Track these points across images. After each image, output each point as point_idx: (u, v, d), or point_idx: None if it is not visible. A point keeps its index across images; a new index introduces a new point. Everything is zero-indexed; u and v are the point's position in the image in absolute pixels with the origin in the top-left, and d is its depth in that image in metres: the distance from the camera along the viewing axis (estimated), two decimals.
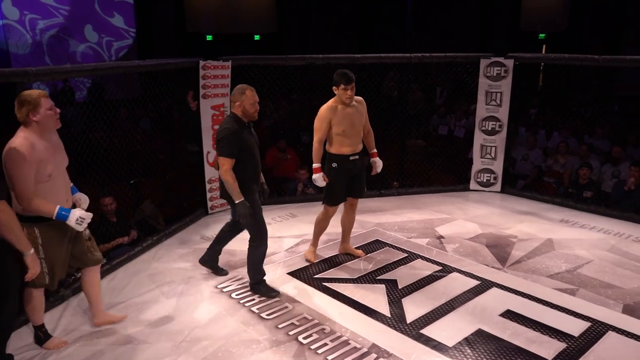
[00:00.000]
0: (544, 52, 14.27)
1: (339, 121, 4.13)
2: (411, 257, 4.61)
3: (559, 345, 3.29)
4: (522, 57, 6.20)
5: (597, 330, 3.46)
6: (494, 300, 3.85)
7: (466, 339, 3.36)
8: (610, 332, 3.44)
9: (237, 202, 3.63)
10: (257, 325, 3.53)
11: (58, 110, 3.00)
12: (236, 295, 3.94)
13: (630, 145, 7.70)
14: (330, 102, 4.19)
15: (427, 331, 3.45)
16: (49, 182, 2.94)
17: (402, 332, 3.45)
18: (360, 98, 4.28)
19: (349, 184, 4.29)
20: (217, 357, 3.19)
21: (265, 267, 4.38)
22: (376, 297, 3.89)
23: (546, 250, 4.76)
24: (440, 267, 4.40)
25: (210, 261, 4.27)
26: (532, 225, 5.41)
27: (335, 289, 4.01)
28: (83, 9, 12.04)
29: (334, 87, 4.13)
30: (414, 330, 3.47)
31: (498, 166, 6.45)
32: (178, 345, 3.30)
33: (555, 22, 14.93)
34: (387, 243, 4.90)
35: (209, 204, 5.72)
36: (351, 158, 4.23)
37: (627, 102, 10.92)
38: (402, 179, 6.66)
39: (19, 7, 11.38)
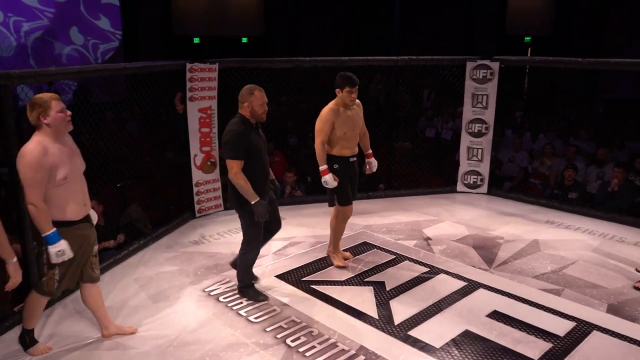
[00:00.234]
0: (529, 55, 14.41)
1: (342, 124, 4.14)
2: (399, 258, 4.63)
3: (544, 345, 3.32)
4: (507, 60, 6.27)
5: (582, 329, 3.50)
6: (481, 301, 3.88)
7: (453, 340, 3.38)
8: (595, 331, 3.48)
9: (253, 202, 3.56)
10: (245, 329, 3.51)
11: (69, 113, 2.99)
12: (224, 298, 3.92)
13: (615, 147, 7.80)
14: (332, 104, 4.17)
15: (414, 332, 3.47)
16: (64, 185, 2.93)
17: (389, 334, 3.46)
18: (358, 101, 4.30)
19: None
20: None
21: (253, 270, 4.38)
22: (364, 299, 3.90)
23: (532, 251, 4.80)
24: (428, 269, 4.42)
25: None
26: (518, 226, 5.46)
27: (323, 292, 4.01)
28: (68, 11, 11.93)
29: (337, 90, 4.12)
30: (402, 332, 3.48)
31: (484, 168, 6.50)
32: (165, 349, 3.28)
33: (540, 25, 15.12)
34: (374, 245, 4.91)
35: (197, 207, 5.70)
36: (351, 160, 4.28)
37: (611, 105, 11.08)
38: (390, 181, 6.69)
39: (3, 10, 11.24)
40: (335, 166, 4.20)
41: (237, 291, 3.97)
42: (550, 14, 15.12)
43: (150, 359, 3.20)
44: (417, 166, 7.33)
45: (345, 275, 4.29)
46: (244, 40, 14.43)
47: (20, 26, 11.47)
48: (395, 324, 3.57)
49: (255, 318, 3.64)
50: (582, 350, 3.27)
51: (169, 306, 3.81)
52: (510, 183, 7.20)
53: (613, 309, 3.77)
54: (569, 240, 5.09)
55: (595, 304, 3.84)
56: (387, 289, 4.07)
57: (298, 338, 3.40)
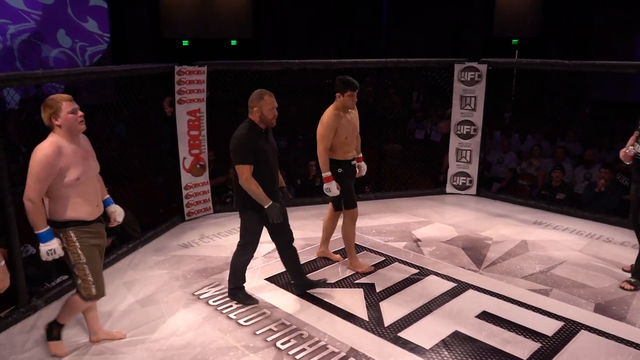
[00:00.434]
0: (516, 57, 14.54)
1: (343, 128, 4.15)
2: (389, 260, 4.64)
3: (533, 345, 3.34)
4: (495, 62, 6.31)
5: (570, 329, 3.53)
6: (470, 302, 3.90)
7: (443, 341, 3.39)
8: (582, 331, 3.51)
9: (266, 206, 3.53)
10: (235, 332, 3.50)
11: (81, 114, 2.98)
12: (213, 302, 3.90)
13: (603, 149, 7.88)
14: (332, 109, 4.16)
15: (404, 334, 3.48)
16: (77, 186, 2.93)
17: (380, 336, 3.46)
18: None
19: None
20: None
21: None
22: (354, 301, 3.90)
23: (520, 252, 4.84)
24: (417, 270, 4.44)
25: (306, 282, 4.02)
26: (507, 227, 5.50)
27: (313, 294, 4.00)
28: (55, 14, 11.84)
29: (338, 94, 4.11)
30: (392, 334, 3.48)
31: (473, 170, 6.55)
32: (154, 354, 3.26)
33: (527, 28, 15.25)
34: (364, 247, 4.92)
35: (186, 210, 5.67)
36: (352, 163, 4.31)
37: (597, 106, 11.20)
38: (380, 183, 6.70)
39: None
40: (340, 170, 4.19)
41: (227, 293, 3.96)
42: (537, 16, 15.26)
43: None
44: (407, 168, 7.35)
45: (335, 277, 4.29)
46: (233, 42, 14.43)
47: (6, 29, 11.37)
48: (385, 325, 3.58)
49: (245, 321, 3.63)
50: (570, 350, 3.30)
51: (158, 310, 3.79)
52: (498, 184, 7.25)
53: (600, 309, 3.80)
54: (557, 240, 5.14)
55: (582, 303, 3.88)
56: (377, 290, 4.08)
57: (288, 341, 3.40)
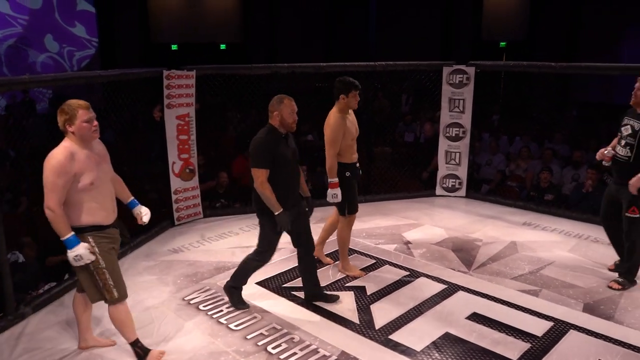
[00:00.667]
0: (503, 60, 14.66)
1: (349, 130, 4.14)
2: (379, 263, 4.65)
3: (523, 346, 3.36)
4: (483, 65, 6.36)
5: (559, 329, 3.55)
6: (461, 304, 3.91)
7: (434, 342, 3.40)
8: (572, 330, 3.54)
9: (276, 213, 3.50)
10: (226, 337, 3.49)
11: (96, 123, 2.98)
12: (204, 307, 3.89)
13: (591, 150, 7.94)
14: (336, 112, 4.12)
15: (395, 336, 3.48)
16: (92, 190, 2.92)
17: (370, 339, 3.47)
18: None
19: None
20: None
21: None
22: (345, 304, 3.90)
23: (510, 253, 4.87)
24: (408, 273, 4.45)
25: (317, 294, 3.96)
26: (496, 228, 5.53)
27: (304, 298, 3.99)
28: (43, 19, 11.76)
29: (341, 96, 4.07)
30: (383, 336, 3.49)
31: (462, 172, 6.58)
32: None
33: (515, 31, 15.39)
34: (355, 250, 4.92)
35: (175, 215, 5.65)
36: (357, 165, 4.30)
37: (584, 108, 11.32)
38: (370, 186, 6.71)
39: None
40: (347, 174, 4.16)
41: (223, 286, 3.89)
42: (524, 20, 15.42)
43: None
44: (397, 170, 7.38)
45: (326, 280, 4.29)
46: (222, 47, 14.40)
47: None
48: (376, 328, 3.58)
49: (236, 326, 3.61)
50: (560, 350, 3.32)
51: (148, 316, 3.76)
52: (488, 186, 7.30)
53: (589, 308, 3.84)
54: (546, 241, 5.17)
55: (571, 303, 3.91)
56: (368, 293, 4.08)
57: (279, 345, 3.39)
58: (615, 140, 4.13)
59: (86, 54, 12.49)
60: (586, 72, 6.21)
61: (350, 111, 4.22)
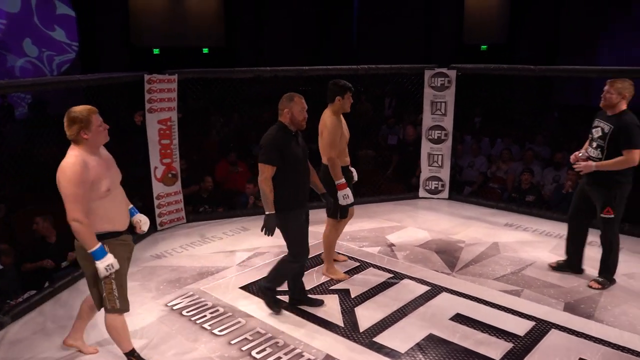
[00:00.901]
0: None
1: (344, 132, 4.15)
2: (363, 265, 4.66)
3: (506, 346, 3.39)
4: (464, 68, 6.43)
5: (541, 328, 3.59)
6: (444, 305, 3.94)
7: (418, 344, 3.42)
8: (553, 330, 3.58)
9: (267, 213, 3.47)
10: (210, 342, 3.46)
11: (106, 126, 2.97)
12: (187, 312, 3.85)
13: (572, 151, 8.03)
14: (331, 113, 4.11)
15: (380, 339, 3.49)
16: (108, 197, 2.90)
17: (355, 341, 3.47)
18: None
19: None
20: None
21: (217, 282, 4.35)
22: (329, 308, 3.90)
23: (492, 254, 4.91)
24: (392, 275, 4.47)
25: (302, 299, 3.94)
26: (479, 230, 5.58)
27: (288, 302, 3.98)
28: (21, 23, 11.57)
29: (337, 97, 4.09)
30: (367, 339, 3.49)
31: (445, 174, 6.64)
32: None
33: (495, 34, 15.58)
34: (339, 253, 4.92)
35: (158, 220, 5.60)
36: (350, 168, 4.30)
37: (564, 111, 11.49)
38: (353, 189, 6.71)
39: None
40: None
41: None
42: (505, 23, 15.61)
43: None
44: (380, 173, 7.40)
45: (310, 284, 4.28)
46: (205, 51, 14.33)
47: None
48: (361, 331, 3.59)
49: (220, 331, 3.59)
50: (542, 349, 3.36)
51: (130, 322, 3.67)
52: (470, 188, 7.37)
53: (570, 307, 3.89)
54: (527, 242, 5.24)
55: (553, 303, 3.96)
56: (352, 296, 4.09)
57: (264, 350, 3.37)
58: (587, 143, 4.22)
59: (66, 58, 12.32)
60: (564, 75, 6.32)
61: (341, 115, 4.24)
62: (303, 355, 3.30)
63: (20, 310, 3.81)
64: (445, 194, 6.67)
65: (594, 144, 4.07)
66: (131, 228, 3.18)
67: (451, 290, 4.17)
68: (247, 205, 6.34)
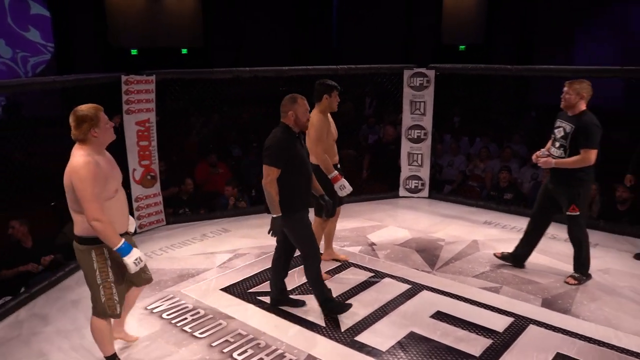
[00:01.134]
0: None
1: (330, 130, 4.15)
2: (344, 265, 4.67)
3: (485, 342, 3.44)
4: (442, 68, 6.49)
5: (519, 324, 3.65)
6: (425, 303, 3.97)
7: (399, 342, 3.44)
8: (531, 325, 3.64)
9: (273, 216, 3.45)
10: (191, 345, 3.44)
11: (112, 124, 2.93)
12: (167, 315, 3.82)
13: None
14: (318, 112, 4.13)
15: (361, 338, 3.50)
16: (115, 197, 2.86)
17: (337, 341, 3.48)
18: None
19: None
20: None
21: (198, 284, 4.32)
22: (311, 308, 3.89)
23: (472, 252, 4.97)
24: (373, 274, 4.49)
25: (284, 299, 3.93)
26: (458, 228, 5.64)
27: (270, 302, 3.97)
28: None
29: (325, 96, 4.11)
30: (349, 338, 3.50)
31: (425, 173, 6.69)
32: None
33: (473, 34, 15.75)
34: (320, 253, 4.92)
35: (137, 222, 5.53)
36: (338, 167, 4.30)
37: (542, 110, 11.66)
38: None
39: None
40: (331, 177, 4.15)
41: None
42: (482, 23, 15.78)
43: None
44: (361, 173, 7.43)
45: (291, 284, 4.27)
46: (184, 51, 14.22)
47: None
48: (342, 330, 3.60)
49: (201, 333, 3.57)
50: (520, 344, 3.41)
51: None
52: (450, 186, 7.44)
53: (547, 303, 3.95)
54: (506, 239, 5.30)
55: (530, 299, 4.02)
56: (334, 295, 4.07)
57: (245, 351, 3.36)
58: (549, 143, 4.31)
59: (41, 59, 12.10)
60: (540, 75, 6.42)
61: (329, 114, 4.25)
62: (285, 356, 3.30)
63: None
64: (426, 192, 6.73)
65: (557, 144, 4.19)
66: None
67: (431, 288, 4.21)
68: (228, 207, 6.30)
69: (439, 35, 15.44)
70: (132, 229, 3.20)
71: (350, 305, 3.83)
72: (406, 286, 4.24)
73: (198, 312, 3.85)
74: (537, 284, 4.27)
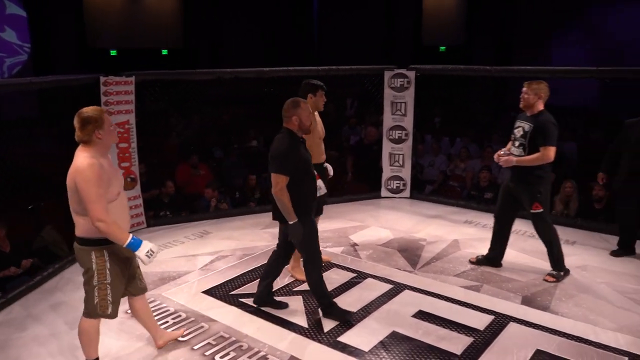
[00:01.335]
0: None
1: (317, 128, 4.14)
2: (327, 266, 4.67)
3: (466, 340, 3.47)
4: (422, 69, 6.55)
5: (500, 322, 3.69)
6: (407, 302, 4.00)
7: (381, 342, 3.46)
8: (511, 323, 3.69)
9: (290, 223, 3.42)
10: (172, 349, 3.40)
11: (116, 126, 2.94)
12: None
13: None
14: None
15: (344, 338, 3.51)
16: (117, 200, 2.84)
17: (319, 342, 3.48)
18: None
19: None
20: None
21: (179, 287, 4.28)
22: (294, 309, 3.89)
23: (453, 251, 5.02)
24: (355, 274, 4.50)
25: (268, 300, 3.90)
26: (440, 228, 5.69)
27: (252, 305, 3.95)
28: None
29: (310, 95, 4.11)
30: (332, 339, 3.51)
31: (406, 173, 6.74)
32: None
33: (453, 36, 15.90)
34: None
35: None
36: (324, 165, 4.29)
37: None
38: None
39: None
40: (316, 173, 4.11)
41: (321, 314, 3.76)
42: (462, 24, 15.94)
43: None
44: (343, 174, 7.45)
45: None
46: (164, 52, 14.09)
47: None
48: (325, 331, 3.60)
49: (183, 337, 3.53)
50: (501, 342, 3.45)
51: None
52: (431, 186, 7.50)
53: (527, 301, 4.01)
54: (486, 238, 5.31)
55: (511, 297, 4.08)
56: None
57: (227, 354, 3.34)
58: (510, 143, 4.39)
59: (18, 60, 11.87)
60: (518, 76, 6.51)
61: (316, 112, 4.24)
62: (268, 358, 3.29)
63: None
64: (407, 193, 6.77)
65: (517, 143, 4.28)
66: None
67: (413, 287, 4.24)
68: (209, 209, 6.26)
69: (419, 36, 15.56)
70: None
71: (352, 314, 3.78)
72: (388, 286, 4.26)
73: (180, 315, 3.82)
74: (516, 281, 4.33)
